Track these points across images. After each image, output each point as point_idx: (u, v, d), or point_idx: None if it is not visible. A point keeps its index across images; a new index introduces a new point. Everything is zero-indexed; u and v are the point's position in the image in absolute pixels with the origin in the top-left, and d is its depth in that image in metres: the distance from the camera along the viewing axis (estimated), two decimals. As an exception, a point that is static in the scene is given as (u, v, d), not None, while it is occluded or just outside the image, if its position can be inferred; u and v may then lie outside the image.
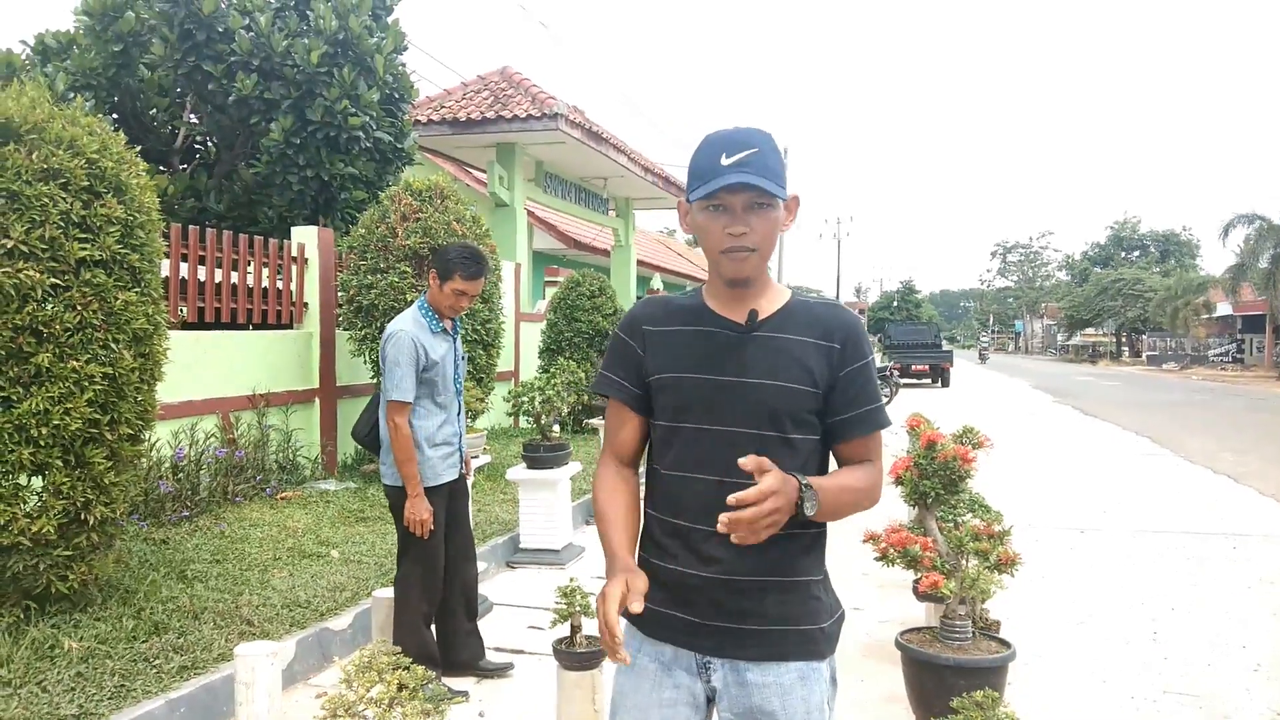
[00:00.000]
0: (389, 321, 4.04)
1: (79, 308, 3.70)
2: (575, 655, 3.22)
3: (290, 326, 7.51)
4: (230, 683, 3.25)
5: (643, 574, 1.61)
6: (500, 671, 4.05)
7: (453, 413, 3.88)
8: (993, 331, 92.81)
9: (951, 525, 4.00)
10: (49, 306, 3.64)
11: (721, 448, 1.63)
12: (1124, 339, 56.12)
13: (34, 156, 3.65)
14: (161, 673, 3.45)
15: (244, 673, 2.90)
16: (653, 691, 1.69)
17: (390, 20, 9.47)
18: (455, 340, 3.91)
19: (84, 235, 3.74)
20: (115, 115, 8.96)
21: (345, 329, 7.36)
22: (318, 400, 7.48)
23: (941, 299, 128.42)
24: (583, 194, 15.55)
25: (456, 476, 3.91)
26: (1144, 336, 51.42)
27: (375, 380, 7.03)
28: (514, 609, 5.02)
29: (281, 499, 6.30)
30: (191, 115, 9.41)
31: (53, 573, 3.76)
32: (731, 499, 1.44)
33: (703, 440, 1.65)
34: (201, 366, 6.27)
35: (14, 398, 3.58)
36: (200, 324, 6.59)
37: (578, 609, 3.24)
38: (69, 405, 3.65)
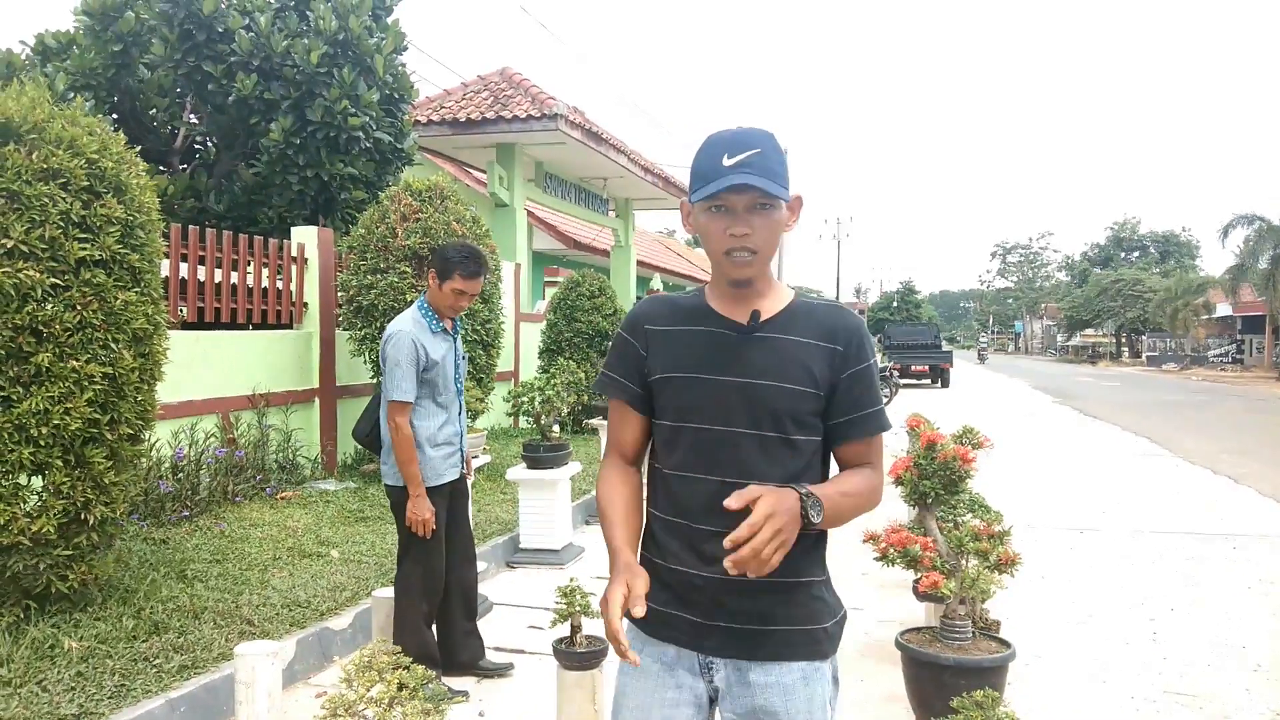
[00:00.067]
0: (389, 322, 4.04)
1: (79, 307, 3.70)
2: (575, 655, 3.22)
3: (290, 326, 7.51)
4: (230, 682, 3.25)
5: (644, 573, 1.61)
6: (500, 671, 4.06)
7: (454, 412, 3.88)
8: (992, 332, 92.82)
9: (951, 525, 4.01)
10: (49, 306, 3.64)
11: (723, 448, 1.63)
12: (1124, 340, 56.13)
13: (34, 156, 3.65)
14: (162, 672, 3.45)
15: (244, 672, 2.90)
16: (655, 691, 1.69)
17: (390, 20, 9.47)
18: (455, 340, 3.91)
19: (84, 235, 3.74)
20: (115, 115, 8.96)
21: (345, 329, 7.37)
22: (317, 400, 7.48)
23: (941, 300, 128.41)
24: (582, 194, 15.55)
25: (458, 476, 3.92)
26: (1144, 337, 51.43)
27: (375, 380, 7.03)
28: (514, 609, 5.02)
29: (281, 499, 6.30)
30: (191, 115, 9.42)
31: (53, 572, 3.76)
32: (727, 542, 1.43)
33: (704, 440, 1.65)
34: (201, 366, 6.27)
35: (14, 397, 3.58)
36: (200, 324, 6.59)
37: (578, 609, 3.24)
38: (69, 405, 3.65)
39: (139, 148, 4.41)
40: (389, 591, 3.95)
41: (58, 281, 3.66)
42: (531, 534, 6.03)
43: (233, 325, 6.90)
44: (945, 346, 30.22)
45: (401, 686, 2.00)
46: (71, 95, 8.23)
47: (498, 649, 4.29)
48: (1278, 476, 9.70)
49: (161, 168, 9.14)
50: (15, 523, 3.59)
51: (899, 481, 3.74)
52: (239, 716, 2.91)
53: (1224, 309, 43.27)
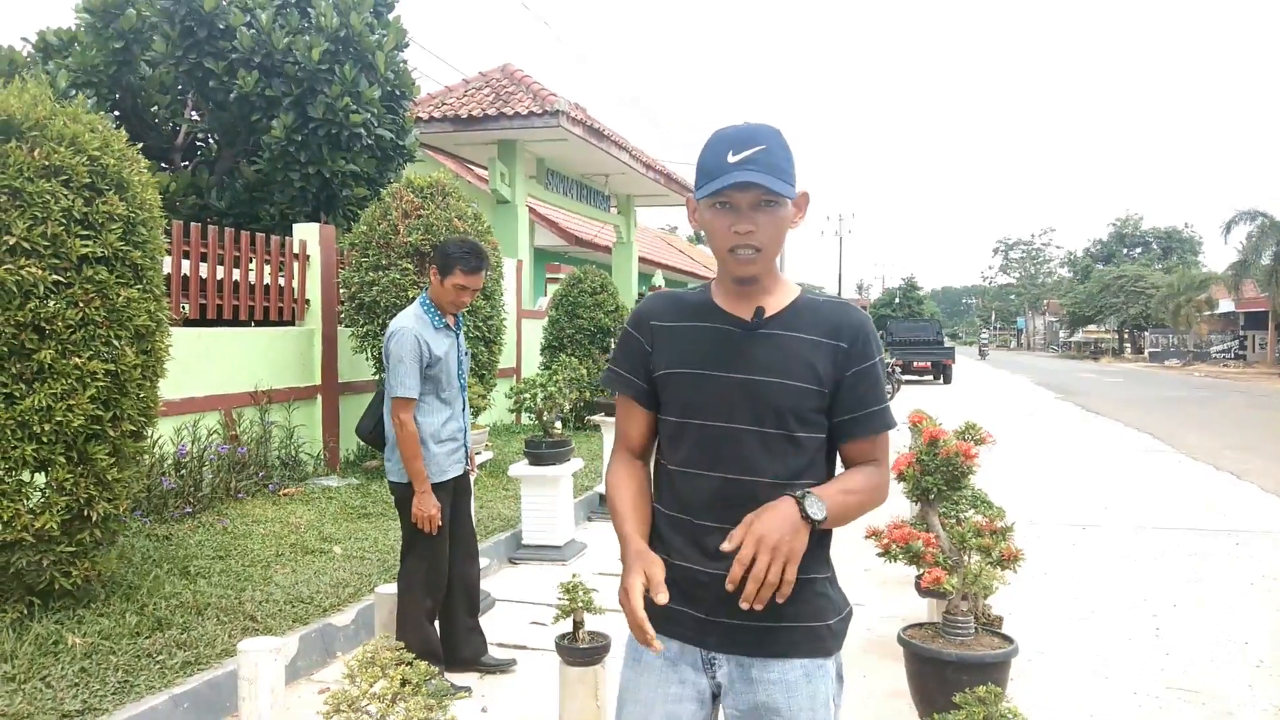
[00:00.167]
0: (391, 318, 4.04)
1: (81, 304, 3.70)
2: (578, 651, 3.22)
3: (292, 323, 7.52)
4: (233, 678, 3.26)
5: (659, 559, 1.62)
6: (503, 667, 4.06)
7: (457, 408, 3.88)
8: (995, 328, 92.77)
9: (954, 521, 4.01)
10: (51, 303, 3.64)
11: (726, 444, 1.63)
12: (1126, 336, 56.09)
13: (36, 153, 3.65)
14: (165, 668, 3.46)
15: (247, 668, 2.90)
16: (658, 687, 1.70)
17: (391, 17, 9.47)
18: (458, 336, 3.91)
19: (86, 232, 3.74)
20: (117, 112, 8.96)
21: (347, 326, 7.37)
22: (320, 397, 7.49)
23: (944, 296, 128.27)
24: (584, 191, 15.54)
25: (461, 472, 3.92)
26: (1146, 333, 51.41)
27: (377, 377, 7.04)
28: (516, 605, 5.03)
29: (284, 495, 6.31)
30: (193, 112, 9.41)
31: (56, 569, 3.77)
32: (728, 585, 1.50)
33: (708, 437, 1.65)
34: (204, 363, 6.27)
35: (17, 394, 3.58)
36: (202, 321, 6.59)
37: (580, 605, 3.24)
38: (71, 402, 3.65)
39: (140, 145, 4.42)
40: (392, 588, 3.96)
41: (60, 278, 3.66)
42: (534, 530, 6.04)
43: (235, 322, 6.91)
44: (947, 343, 30.21)
45: (404, 682, 2.00)
46: (73, 92, 8.24)
47: (500, 645, 4.30)
48: (1280, 472, 9.70)
49: (163, 165, 9.15)
50: (19, 519, 3.60)
51: (901, 477, 3.73)
52: (242, 712, 2.92)
53: (1226, 305, 43.25)
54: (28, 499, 3.70)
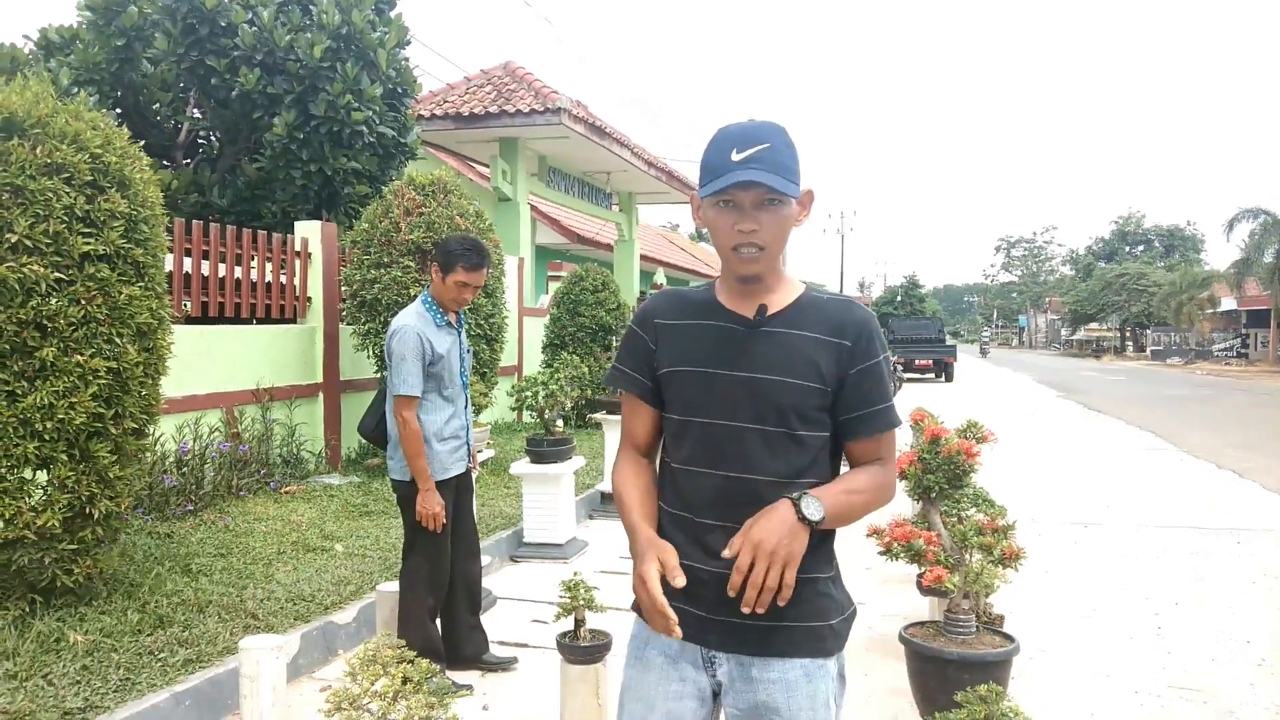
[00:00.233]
0: (393, 316, 4.04)
1: (83, 302, 3.71)
2: (579, 649, 3.22)
3: (294, 321, 7.52)
4: (235, 676, 3.26)
5: (670, 546, 1.61)
6: (504, 665, 4.06)
7: (459, 406, 3.88)
8: (996, 326, 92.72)
9: (955, 520, 4.00)
10: (53, 301, 3.64)
11: (728, 443, 1.63)
12: (1128, 334, 56.02)
13: (38, 151, 3.65)
14: (166, 666, 3.46)
15: (248, 666, 2.91)
16: (659, 684, 1.70)
17: (393, 15, 9.46)
18: (460, 334, 3.91)
19: (88, 230, 3.74)
20: (118, 110, 8.96)
21: (349, 323, 7.38)
22: (321, 395, 7.49)
23: (945, 294, 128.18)
24: (586, 189, 15.53)
25: (464, 470, 3.92)
26: (1148, 331, 51.31)
27: (379, 375, 7.04)
28: (518, 603, 5.03)
29: (285, 493, 6.31)
30: (195, 110, 9.41)
31: (58, 566, 3.77)
32: (729, 591, 1.51)
33: (710, 435, 1.65)
34: (205, 361, 6.27)
35: (19, 392, 3.58)
36: (204, 318, 6.60)
37: (581, 603, 3.24)
38: (73, 399, 3.65)
39: (142, 142, 4.41)
40: (393, 585, 3.96)
41: (62, 276, 3.66)
42: (535, 528, 6.04)
43: (236, 320, 6.91)
44: (949, 341, 30.19)
45: (406, 680, 2.00)
46: (75, 90, 8.24)
47: (502, 643, 4.30)
48: (1282, 471, 9.68)
49: (165, 162, 9.14)
50: (20, 517, 3.60)
51: (903, 475, 3.73)
52: (243, 710, 2.92)
53: (1229, 303, 43.19)
54: (30, 496, 3.70)
